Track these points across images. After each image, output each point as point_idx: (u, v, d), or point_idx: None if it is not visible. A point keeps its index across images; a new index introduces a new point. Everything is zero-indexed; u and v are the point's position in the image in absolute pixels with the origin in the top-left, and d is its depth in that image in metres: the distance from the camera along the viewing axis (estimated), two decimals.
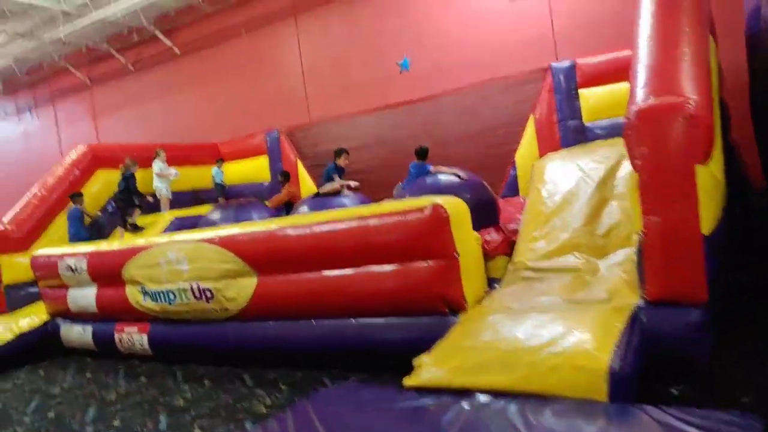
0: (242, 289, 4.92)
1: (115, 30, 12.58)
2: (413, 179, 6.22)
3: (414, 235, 3.96)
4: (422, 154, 6.52)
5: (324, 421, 2.92)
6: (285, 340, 4.71)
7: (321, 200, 6.81)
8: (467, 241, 3.99)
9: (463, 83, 8.20)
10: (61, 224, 8.48)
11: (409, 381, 3.26)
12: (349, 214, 4.48)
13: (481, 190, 5.19)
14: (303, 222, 4.72)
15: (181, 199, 9.55)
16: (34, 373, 6.03)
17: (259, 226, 5.08)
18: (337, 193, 7.01)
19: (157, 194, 9.11)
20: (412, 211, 3.98)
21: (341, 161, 7.47)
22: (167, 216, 8.73)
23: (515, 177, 7.37)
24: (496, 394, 2.89)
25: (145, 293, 5.64)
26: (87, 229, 8.36)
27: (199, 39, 12.06)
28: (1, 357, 6.23)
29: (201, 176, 10.04)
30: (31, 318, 6.76)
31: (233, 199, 9.20)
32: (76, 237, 8.05)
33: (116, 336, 6.00)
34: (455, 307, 3.90)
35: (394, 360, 4.25)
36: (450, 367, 3.13)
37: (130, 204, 8.64)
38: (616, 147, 4.79)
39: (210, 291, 5.07)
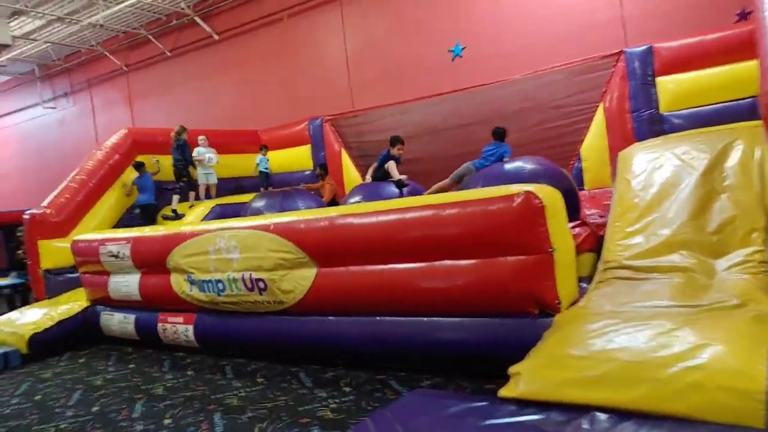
0: (299, 280, 4.56)
1: (154, 15, 12.38)
2: (491, 162, 5.77)
3: (501, 227, 3.54)
4: (500, 134, 6.04)
5: None
6: (346, 337, 4.34)
7: (373, 187, 6.43)
8: (562, 234, 3.56)
9: (521, 70, 7.74)
10: (101, 209, 8.28)
11: (505, 392, 2.85)
12: (422, 203, 4.08)
13: (561, 179, 4.74)
14: (368, 210, 4.33)
15: (222, 187, 9.28)
16: (75, 362, 5.78)
17: (319, 213, 4.71)
18: (399, 182, 6.56)
19: (199, 181, 8.86)
20: (499, 199, 3.57)
21: (396, 150, 7.02)
22: (208, 203, 8.46)
23: (580, 169, 6.90)
24: (617, 412, 2.48)
25: (191, 282, 5.33)
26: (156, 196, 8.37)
27: (239, 25, 11.78)
28: (41, 344, 6.00)
29: (242, 164, 9.75)
30: (70, 305, 6.52)
31: (277, 188, 8.91)
32: (146, 204, 8.12)
33: (159, 326, 5.72)
34: (547, 308, 3.48)
35: (467, 363, 3.89)
36: (558, 379, 2.71)
37: (185, 175, 8.51)
38: (718, 135, 4.32)
39: (263, 282, 4.73)
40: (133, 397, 4.41)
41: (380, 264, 4.17)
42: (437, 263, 3.91)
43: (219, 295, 5.10)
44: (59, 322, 6.20)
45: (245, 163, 9.86)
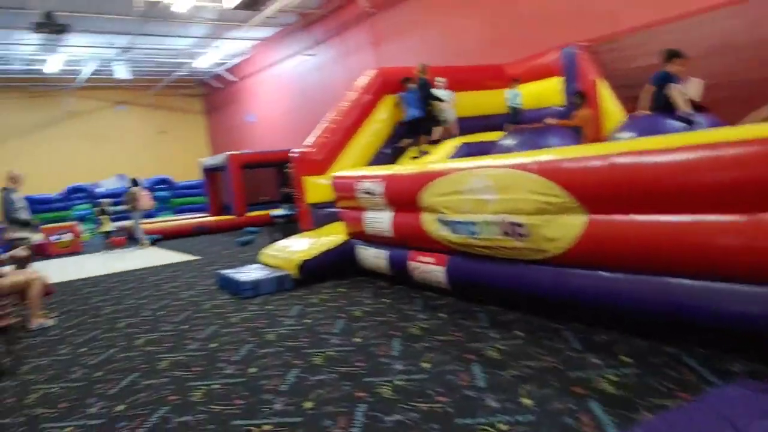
0: (566, 228, 4.02)
1: None
2: None
3: None
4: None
5: None
6: (623, 296, 3.71)
7: (650, 121, 5.45)
8: None
9: None
10: (355, 147, 8.65)
11: None
12: (738, 136, 3.17)
13: None
14: (659, 147, 3.54)
15: (466, 125, 9.01)
16: (336, 291, 6.16)
17: (590, 151, 4.06)
18: (686, 114, 5.41)
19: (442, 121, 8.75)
20: None
21: (673, 67, 5.74)
22: (454, 141, 8.27)
23: None
24: None
25: (443, 223, 5.16)
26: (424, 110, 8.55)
27: None
28: (309, 271, 6.54)
29: (487, 101, 9.32)
30: (332, 237, 6.96)
31: (527, 125, 8.30)
32: (414, 118, 8.44)
33: (411, 264, 5.74)
34: None
35: None
36: None
37: (432, 115, 8.51)
38: None
39: (522, 227, 4.30)
40: (389, 333, 4.45)
41: (674, 214, 3.41)
42: (756, 216, 3.03)
43: (472, 237, 4.83)
44: (324, 252, 6.67)
45: (490, 100, 9.40)
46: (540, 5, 10.02)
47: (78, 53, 17.33)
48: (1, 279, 5.50)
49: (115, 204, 15.07)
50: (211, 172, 16.34)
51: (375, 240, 6.36)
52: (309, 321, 5.06)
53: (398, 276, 6.06)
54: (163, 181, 20.66)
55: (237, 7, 11.29)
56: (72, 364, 4.44)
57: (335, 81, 15.56)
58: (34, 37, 14.93)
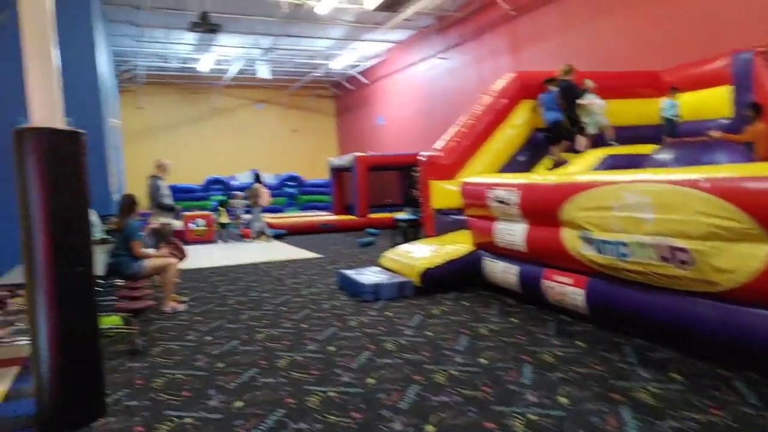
0: (743, 258, 3.39)
1: None
2: None
3: None
4: None
5: None
6: None
7: None
8: None
9: None
10: (487, 153, 8.25)
11: None
12: None
13: None
14: None
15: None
16: (459, 304, 5.83)
17: None
18: None
19: (586, 129, 8.08)
20: None
21: None
22: (598, 152, 7.59)
23: None
24: None
25: (587, 241, 4.64)
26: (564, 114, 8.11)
27: None
28: (431, 279, 6.26)
29: (636, 110, 8.50)
30: (457, 245, 6.64)
31: (686, 138, 7.42)
32: (554, 121, 7.99)
33: (544, 283, 5.26)
34: None
35: None
36: None
37: (575, 122, 7.93)
38: None
39: (686, 253, 3.70)
40: (519, 357, 4.05)
41: None
42: None
43: (621, 260, 4.28)
44: (448, 262, 6.36)
45: (640, 109, 8.56)
46: (708, 4, 8.96)
47: (227, 53, 18.51)
48: (145, 261, 5.82)
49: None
50: (338, 171, 16.68)
51: (505, 253, 5.94)
52: (430, 333, 4.78)
53: (528, 294, 5.60)
54: (292, 178, 21.50)
55: (377, 9, 11.31)
56: (197, 352, 4.51)
57: (467, 85, 15.20)
58: (190, 37, 16.14)
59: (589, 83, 8.17)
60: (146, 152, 19.86)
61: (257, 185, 13.64)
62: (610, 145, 8.00)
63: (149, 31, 15.46)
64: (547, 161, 8.28)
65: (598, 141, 8.14)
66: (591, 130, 8.11)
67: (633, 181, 4.25)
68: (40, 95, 3.12)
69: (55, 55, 3.21)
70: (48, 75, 3.15)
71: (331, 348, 4.46)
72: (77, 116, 8.40)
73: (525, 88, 8.63)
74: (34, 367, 3.06)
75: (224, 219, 13.76)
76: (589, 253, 4.63)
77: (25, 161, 2.97)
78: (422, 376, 3.72)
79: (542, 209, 5.23)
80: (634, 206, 4.15)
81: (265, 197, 13.62)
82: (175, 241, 6.71)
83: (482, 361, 4.00)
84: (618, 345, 4.21)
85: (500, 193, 5.82)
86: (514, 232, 5.68)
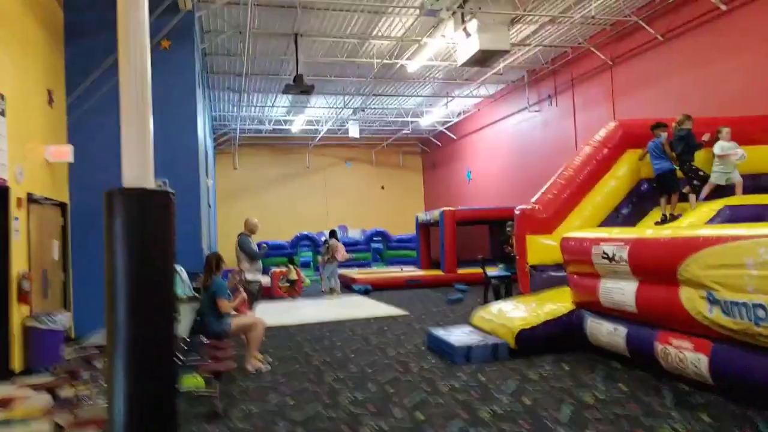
0: None
1: None
2: None
3: None
4: None
5: None
6: None
7: None
8: None
9: None
10: (587, 206, 7.73)
11: None
12: None
13: None
14: None
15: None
16: (560, 368, 5.29)
17: None
18: None
19: (711, 179, 7.35)
20: None
21: None
22: (712, 204, 6.87)
23: None
24: None
25: (712, 302, 4.05)
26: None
27: None
28: (527, 341, 5.77)
29: (759, 157, 7.70)
30: (556, 305, 6.12)
31: None
32: (663, 171, 7.34)
33: (658, 346, 4.65)
34: None
35: None
36: None
37: (692, 170, 7.28)
38: None
39: None
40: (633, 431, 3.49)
41: None
42: None
43: (757, 324, 3.67)
44: (545, 322, 5.86)
45: (761, 156, 7.75)
46: None
47: (317, 114, 19.20)
48: (232, 320, 5.72)
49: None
50: (425, 226, 16.45)
51: (611, 313, 5.37)
52: (528, 401, 4.30)
53: (637, 358, 5.00)
54: (379, 234, 21.50)
55: (465, 64, 11.29)
56: (278, 416, 4.26)
57: (558, 137, 14.72)
58: (284, 100, 16.89)
59: (725, 130, 7.43)
60: (238, 211, 20.63)
61: (333, 241, 13.70)
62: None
63: (246, 95, 16.34)
64: (653, 214, 7.61)
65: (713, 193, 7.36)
66: (720, 181, 7.31)
67: None
68: (133, 156, 3.09)
69: (149, 119, 3.20)
70: (142, 137, 3.13)
71: (420, 415, 4.09)
72: (175, 177, 8.84)
73: (627, 137, 8.09)
74: (109, 430, 2.93)
75: (292, 275, 13.96)
76: (714, 315, 4.03)
77: (114, 221, 2.93)
78: None
79: (657, 266, 4.70)
80: None
81: (342, 252, 13.64)
82: (242, 294, 6.43)
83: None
84: (751, 419, 3.55)
85: (607, 248, 5.32)
86: (623, 291, 5.13)
